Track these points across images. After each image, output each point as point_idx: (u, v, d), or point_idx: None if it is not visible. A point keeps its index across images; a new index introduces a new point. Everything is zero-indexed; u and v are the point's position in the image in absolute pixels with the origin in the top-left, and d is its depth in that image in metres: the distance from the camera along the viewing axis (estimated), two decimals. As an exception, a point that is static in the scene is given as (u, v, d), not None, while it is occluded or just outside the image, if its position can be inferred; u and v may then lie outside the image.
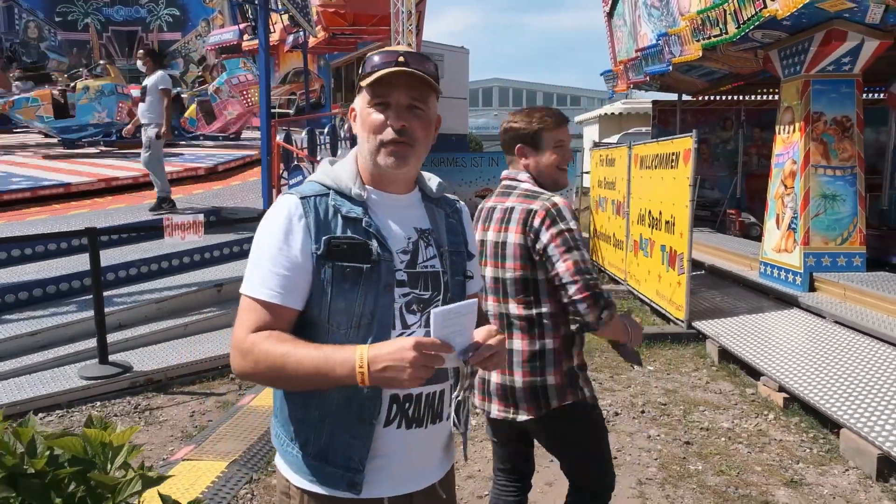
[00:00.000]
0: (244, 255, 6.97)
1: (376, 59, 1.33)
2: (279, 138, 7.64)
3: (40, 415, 4.23)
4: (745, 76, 9.23)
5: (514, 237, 2.03)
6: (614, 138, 17.58)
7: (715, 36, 6.78)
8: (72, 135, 11.80)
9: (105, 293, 4.94)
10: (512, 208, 2.06)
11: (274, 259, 1.28)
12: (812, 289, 6.29)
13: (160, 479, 1.25)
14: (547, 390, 2.04)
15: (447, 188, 1.53)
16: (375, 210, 1.35)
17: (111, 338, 4.93)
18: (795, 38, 6.33)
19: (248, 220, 6.97)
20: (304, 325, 1.31)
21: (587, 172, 10.80)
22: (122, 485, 1.24)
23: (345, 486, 1.31)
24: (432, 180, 1.49)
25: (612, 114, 21.75)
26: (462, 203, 1.58)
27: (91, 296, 4.87)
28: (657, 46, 8.62)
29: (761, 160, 11.80)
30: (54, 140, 12.24)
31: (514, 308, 2.05)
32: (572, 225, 1.98)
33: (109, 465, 1.26)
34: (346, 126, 11.45)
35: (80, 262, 5.81)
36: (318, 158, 8.51)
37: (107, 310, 4.88)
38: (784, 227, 6.63)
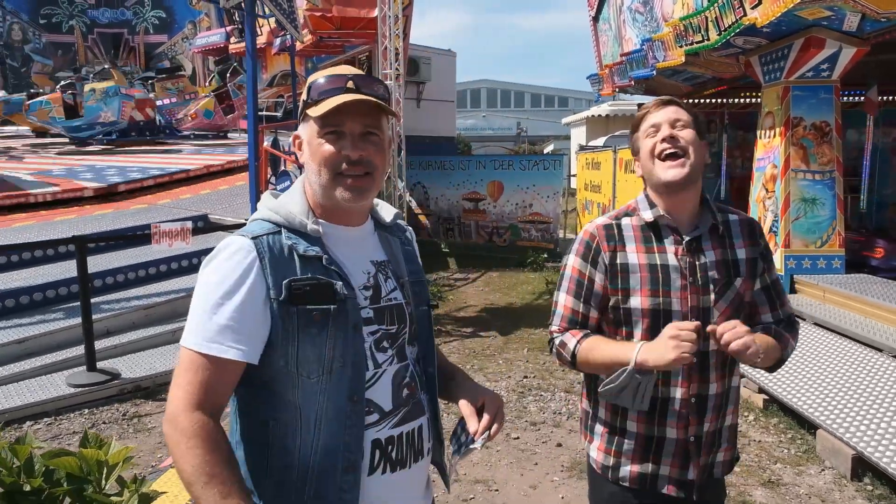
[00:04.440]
0: (232, 260, 6.98)
1: (322, 81, 1.24)
2: (267, 143, 7.66)
3: (27, 423, 4.24)
4: (728, 80, 9.36)
5: None
6: (601, 140, 17.72)
7: (697, 42, 6.88)
8: (81, 133, 13.18)
9: (92, 300, 4.95)
10: None
11: (224, 308, 1.15)
12: (793, 290, 6.41)
13: (155, 496, 1.30)
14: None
15: (401, 214, 1.46)
16: (331, 245, 1.26)
17: (99, 345, 4.95)
18: (775, 45, 6.45)
19: (238, 227, 7.00)
20: (271, 379, 1.20)
21: (573, 175, 10.91)
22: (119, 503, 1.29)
23: None
24: (384, 209, 1.43)
25: (599, 116, 21.90)
26: (411, 229, 1.52)
27: (78, 303, 4.89)
28: (641, 51, 8.73)
29: (745, 163, 11.96)
30: (63, 139, 13.72)
31: None
32: (570, 260, 1.71)
33: (105, 482, 1.31)
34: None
35: (67, 269, 5.82)
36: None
37: (94, 317, 4.90)
38: (766, 229, 6.75)
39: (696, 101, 11.68)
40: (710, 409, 1.64)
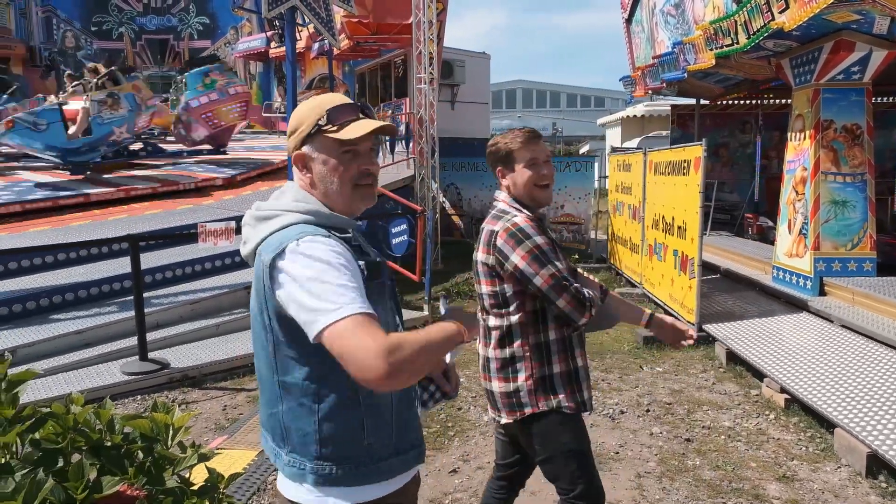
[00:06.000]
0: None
1: (338, 110, 1.47)
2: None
3: (87, 407, 4.60)
4: (761, 82, 9.34)
5: (481, 256, 2.18)
6: (635, 141, 17.67)
7: (727, 45, 6.94)
8: (79, 157, 10.15)
9: (144, 294, 5.30)
10: (482, 229, 2.22)
11: (351, 280, 1.33)
12: (822, 293, 6.42)
13: (211, 455, 1.55)
14: (519, 396, 2.15)
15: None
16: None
17: (150, 336, 5.30)
18: (806, 48, 6.47)
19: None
20: None
21: (606, 177, 10.98)
22: (181, 459, 1.54)
23: (417, 461, 1.55)
24: None
25: (635, 116, 21.80)
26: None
27: (132, 297, 5.24)
28: (673, 54, 8.78)
29: (781, 164, 11.87)
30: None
31: (492, 320, 2.20)
32: (538, 240, 2.08)
33: (170, 442, 1.56)
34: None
35: (122, 266, 6.21)
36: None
37: (146, 310, 5.25)
38: (795, 232, 6.76)
39: (730, 101, 11.64)
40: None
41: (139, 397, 4.85)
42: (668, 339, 2.30)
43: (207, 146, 12.90)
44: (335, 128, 1.46)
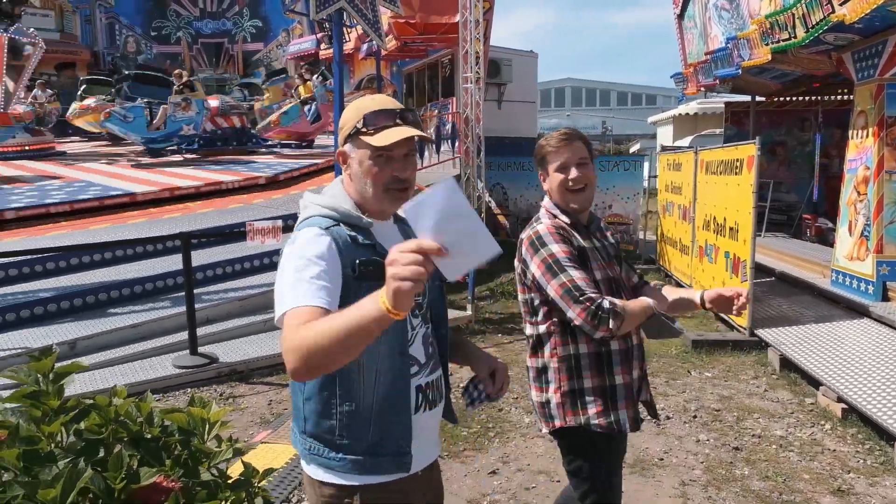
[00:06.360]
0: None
1: (375, 114, 1.50)
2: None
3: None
4: (820, 77, 8.96)
5: (516, 263, 2.15)
6: (687, 140, 17.22)
7: (784, 40, 6.68)
8: (157, 144, 12.73)
9: (195, 291, 5.46)
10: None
11: (317, 275, 1.38)
12: (885, 298, 6.11)
13: (247, 450, 1.57)
14: (550, 407, 2.09)
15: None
16: (376, 235, 1.55)
17: (200, 331, 5.45)
18: (869, 41, 6.17)
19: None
20: None
21: (656, 176, 10.74)
22: (217, 453, 1.57)
23: (396, 469, 1.54)
24: None
25: (687, 114, 21.24)
26: None
27: (183, 293, 5.41)
28: (726, 50, 8.52)
29: (842, 163, 11.35)
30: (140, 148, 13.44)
31: (527, 328, 2.17)
32: (554, 248, 1.99)
33: (206, 436, 1.60)
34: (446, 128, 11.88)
35: (174, 263, 6.40)
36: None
37: (196, 306, 5.41)
38: (856, 234, 6.46)
39: (787, 98, 11.20)
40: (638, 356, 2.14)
41: (189, 390, 4.99)
42: (725, 308, 2.11)
43: (295, 142, 14.65)
44: (371, 132, 1.51)
